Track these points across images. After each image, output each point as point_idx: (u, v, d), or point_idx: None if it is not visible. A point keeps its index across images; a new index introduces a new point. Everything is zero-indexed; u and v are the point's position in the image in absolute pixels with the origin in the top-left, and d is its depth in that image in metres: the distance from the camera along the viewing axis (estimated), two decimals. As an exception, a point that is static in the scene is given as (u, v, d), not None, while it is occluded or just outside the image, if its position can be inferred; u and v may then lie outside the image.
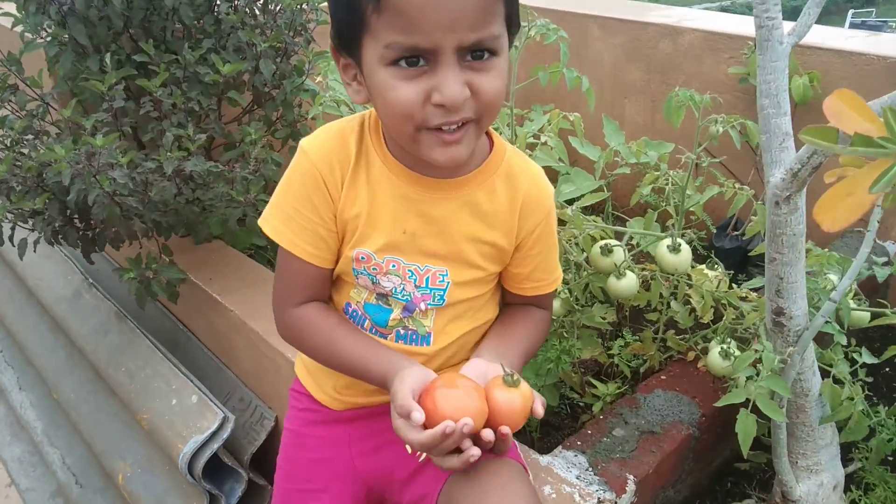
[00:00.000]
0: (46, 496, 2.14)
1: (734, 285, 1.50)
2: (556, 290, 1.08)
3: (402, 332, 1.01)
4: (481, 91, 0.80)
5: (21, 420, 2.33)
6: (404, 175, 0.93)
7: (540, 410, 0.88)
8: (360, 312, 1.02)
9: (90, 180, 1.25)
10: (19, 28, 1.76)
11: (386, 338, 1.02)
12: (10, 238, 1.54)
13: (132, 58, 1.64)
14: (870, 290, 1.77)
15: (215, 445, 1.54)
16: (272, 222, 0.97)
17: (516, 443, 1.08)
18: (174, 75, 1.59)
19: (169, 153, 1.40)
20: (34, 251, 1.57)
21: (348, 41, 0.84)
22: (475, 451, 0.83)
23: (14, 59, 1.63)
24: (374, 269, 0.97)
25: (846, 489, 1.36)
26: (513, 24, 0.84)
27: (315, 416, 1.11)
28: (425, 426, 0.82)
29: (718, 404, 1.17)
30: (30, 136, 1.56)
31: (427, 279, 0.97)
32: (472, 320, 1.03)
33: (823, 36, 2.09)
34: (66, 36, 1.67)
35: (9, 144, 1.59)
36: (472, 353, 1.03)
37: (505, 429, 0.84)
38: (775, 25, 0.99)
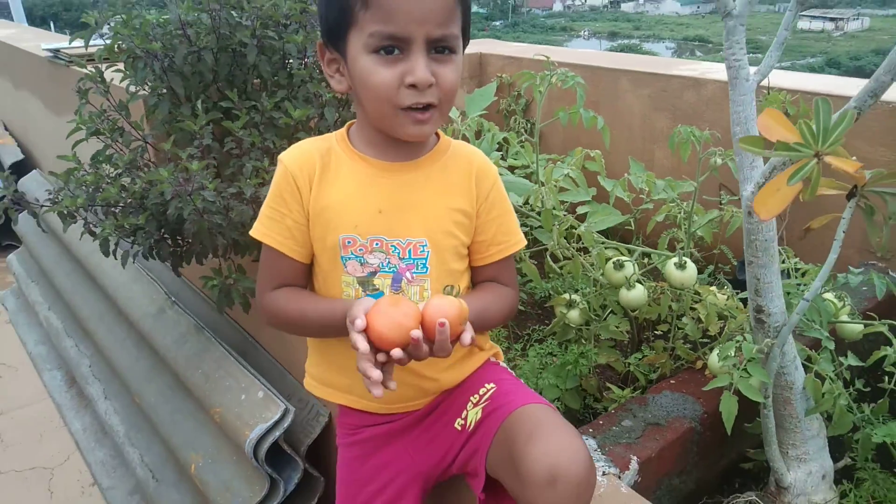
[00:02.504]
0: (125, 493, 2.40)
1: (739, 302, 1.68)
2: (518, 253, 1.22)
3: None
4: (442, 79, 1.01)
5: (105, 426, 2.61)
6: (373, 165, 1.12)
7: (467, 339, 0.98)
8: None
9: (186, 198, 1.53)
10: (125, 82, 2.11)
11: None
12: (114, 252, 1.83)
13: (218, 104, 1.96)
14: (885, 309, 1.89)
15: (277, 433, 1.77)
16: (256, 226, 1.16)
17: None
18: (253, 119, 1.89)
19: (248, 180, 1.68)
20: (124, 266, 1.87)
21: (336, 37, 1.04)
22: (374, 374, 0.94)
23: (123, 106, 1.97)
24: (360, 249, 1.12)
25: (839, 482, 1.49)
26: (466, 36, 1.06)
27: (367, 429, 1.24)
28: (366, 332, 0.96)
29: (706, 388, 1.35)
30: (133, 168, 1.88)
31: (409, 251, 1.12)
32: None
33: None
34: (164, 88, 2.00)
35: (115, 176, 1.91)
36: None
37: (442, 320, 0.94)
38: (742, 66, 1.20)
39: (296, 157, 1.15)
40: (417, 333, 0.94)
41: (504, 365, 1.29)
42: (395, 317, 0.95)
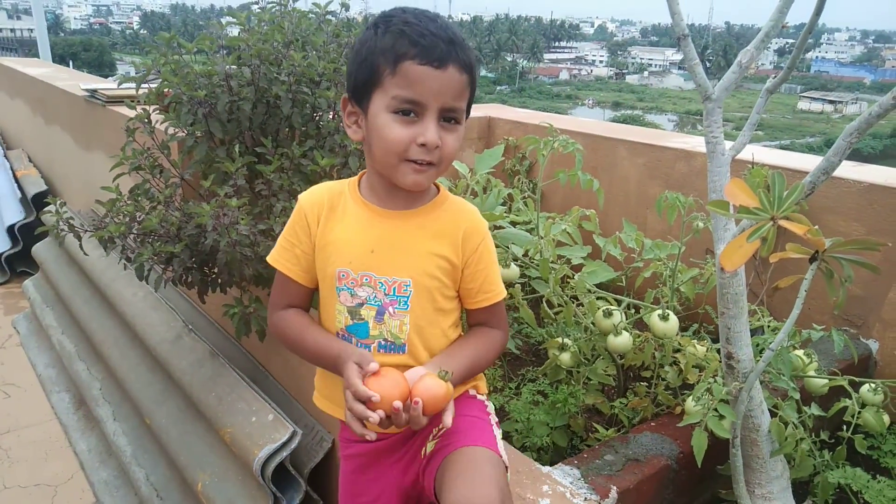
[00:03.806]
0: (127, 512, 2.49)
1: (716, 353, 1.83)
2: (503, 300, 1.37)
3: (382, 342, 1.29)
4: (446, 144, 1.18)
5: (112, 447, 2.72)
6: (372, 211, 1.28)
7: (448, 420, 1.17)
8: (345, 335, 1.30)
9: (224, 231, 1.71)
10: (164, 124, 2.31)
11: (370, 348, 1.28)
12: (146, 277, 2.00)
13: (251, 149, 2.15)
14: (857, 370, 2.05)
15: (284, 454, 1.90)
16: (272, 253, 1.35)
17: (500, 441, 1.32)
18: (283, 165, 2.08)
19: (277, 219, 1.86)
20: (156, 290, 2.02)
21: (361, 94, 1.20)
22: (371, 415, 1.12)
23: (165, 146, 2.16)
24: (351, 283, 1.27)
25: (801, 524, 1.62)
26: (469, 108, 1.24)
27: (361, 444, 1.37)
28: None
29: (680, 425, 1.49)
30: (170, 202, 2.06)
31: (394, 288, 1.26)
32: (441, 336, 1.31)
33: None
34: (201, 131, 2.20)
35: (149, 208, 2.09)
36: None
37: (417, 399, 1.13)
38: (718, 142, 1.40)
39: (309, 197, 1.33)
40: (398, 405, 1.13)
41: (481, 398, 1.41)
42: (385, 386, 1.14)
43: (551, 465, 1.93)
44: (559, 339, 1.86)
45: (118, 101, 3.29)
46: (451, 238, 1.28)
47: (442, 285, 1.29)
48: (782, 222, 1.09)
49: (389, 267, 1.27)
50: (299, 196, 1.35)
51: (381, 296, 1.27)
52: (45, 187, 4.77)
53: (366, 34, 1.20)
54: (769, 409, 1.58)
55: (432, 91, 1.15)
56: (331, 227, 1.29)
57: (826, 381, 1.71)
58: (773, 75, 1.45)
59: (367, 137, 1.23)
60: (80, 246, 2.01)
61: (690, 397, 1.69)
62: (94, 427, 2.92)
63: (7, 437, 3.00)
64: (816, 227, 1.14)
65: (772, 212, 1.09)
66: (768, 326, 1.80)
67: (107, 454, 2.77)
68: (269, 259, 1.35)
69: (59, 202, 1.92)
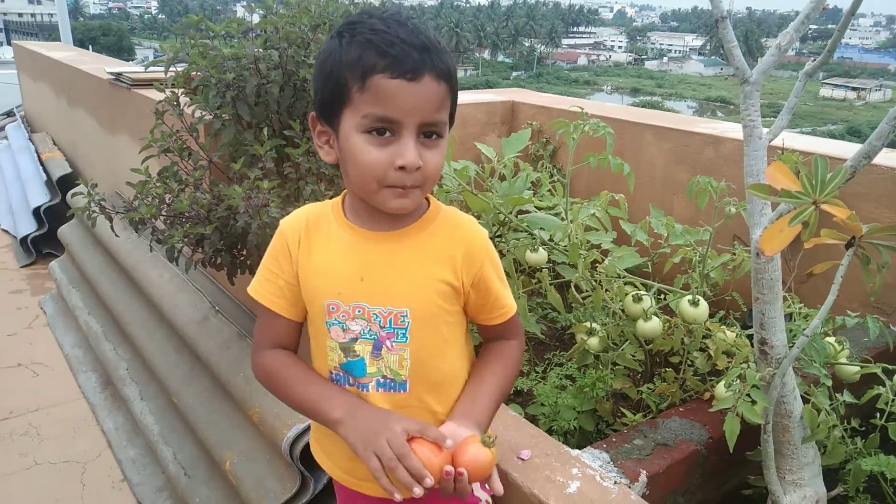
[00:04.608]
0: (154, 490, 2.54)
1: (746, 339, 1.82)
2: (516, 315, 1.25)
3: (381, 380, 1.15)
4: (428, 163, 1.04)
5: (139, 426, 2.76)
6: (357, 233, 1.13)
7: (499, 488, 1.05)
8: (339, 374, 1.16)
9: (255, 213, 1.72)
10: (191, 108, 2.32)
11: (368, 388, 1.14)
12: (176, 258, 2.01)
13: (279, 132, 2.16)
14: (889, 358, 2.02)
15: (312, 434, 1.92)
16: (253, 285, 1.19)
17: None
18: (310, 147, 2.08)
19: (306, 202, 1.87)
20: (186, 271, 2.05)
21: (329, 112, 1.05)
22: (420, 486, 1.00)
23: (194, 128, 2.17)
24: (342, 316, 1.12)
25: (831, 510, 1.61)
26: (451, 121, 1.10)
27: None
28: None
29: (712, 409, 1.49)
30: (199, 184, 2.07)
31: (390, 320, 1.12)
32: (449, 370, 1.18)
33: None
34: (228, 114, 2.21)
35: (178, 191, 2.10)
36: (448, 402, 1.18)
37: (462, 469, 1.01)
38: (755, 126, 1.38)
39: (289, 221, 1.19)
40: (450, 469, 1.02)
41: (480, 494, 1.21)
42: (426, 452, 1.03)
43: (578, 448, 1.94)
44: (587, 324, 1.86)
45: (143, 84, 3.31)
46: (448, 259, 1.14)
47: (444, 312, 1.16)
48: (824, 206, 1.07)
49: (382, 296, 1.12)
50: (280, 221, 1.21)
51: (377, 328, 1.13)
52: (69, 170, 4.82)
53: (329, 44, 1.06)
54: (801, 396, 1.57)
55: (407, 106, 1.01)
56: (314, 255, 1.15)
57: (858, 368, 1.69)
58: (812, 59, 1.43)
59: (341, 159, 1.09)
60: (112, 227, 2.02)
61: (721, 383, 1.68)
62: (120, 406, 2.96)
63: (36, 414, 3.05)
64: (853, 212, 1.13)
65: (814, 196, 1.08)
66: (798, 313, 1.79)
67: (134, 433, 2.81)
68: (249, 291, 1.20)
69: (90, 184, 1.93)
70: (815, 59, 1.38)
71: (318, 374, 1.19)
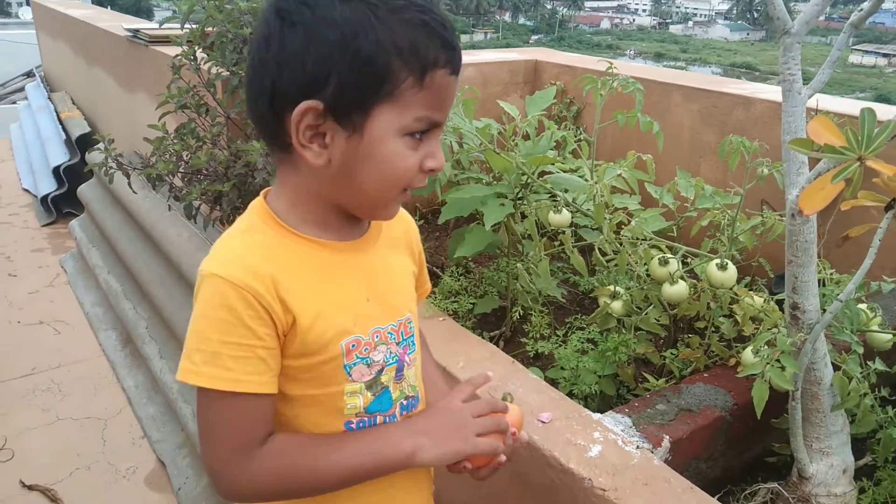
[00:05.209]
0: (174, 446, 2.56)
1: (775, 305, 1.78)
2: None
3: (404, 403, 1.00)
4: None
5: (159, 384, 2.78)
6: (335, 248, 0.92)
7: (525, 437, 1.03)
8: (363, 419, 0.95)
9: (273, 169, 1.68)
10: (208, 64, 2.28)
11: (395, 417, 0.99)
12: (194, 216, 1.99)
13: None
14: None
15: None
16: (211, 374, 0.83)
17: None
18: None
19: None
20: (205, 229, 2.02)
21: (351, 106, 0.81)
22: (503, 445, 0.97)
23: (211, 84, 2.13)
24: (364, 349, 0.93)
25: (858, 479, 1.58)
26: None
27: None
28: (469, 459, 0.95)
29: (740, 375, 1.45)
30: (216, 141, 2.04)
31: (402, 332, 0.99)
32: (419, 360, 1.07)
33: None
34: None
35: (195, 147, 2.07)
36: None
37: (513, 430, 0.99)
38: (795, 80, 1.32)
39: (245, 270, 0.84)
40: (515, 431, 0.99)
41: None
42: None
43: (597, 412, 1.92)
44: (611, 287, 1.82)
45: (161, 41, 3.26)
46: (407, 246, 1.06)
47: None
48: (870, 163, 1.02)
49: (389, 310, 0.97)
50: (213, 274, 0.84)
51: (395, 348, 0.97)
52: (88, 129, 4.81)
53: (352, 14, 0.79)
54: (831, 363, 1.52)
55: (450, 104, 0.88)
56: (305, 295, 0.88)
57: (891, 336, 1.64)
58: (858, 11, 1.36)
59: (346, 164, 0.84)
60: (129, 184, 2.00)
61: (748, 348, 1.64)
62: (140, 364, 2.98)
63: (58, 371, 3.08)
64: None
65: (859, 151, 1.02)
66: (830, 278, 1.73)
67: (153, 390, 2.83)
68: (211, 384, 0.84)
69: (107, 139, 1.91)
70: (861, 10, 1.30)
71: (334, 434, 0.95)
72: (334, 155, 0.84)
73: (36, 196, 4.81)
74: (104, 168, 1.90)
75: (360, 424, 0.95)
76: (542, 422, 1.49)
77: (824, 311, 1.43)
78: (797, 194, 1.33)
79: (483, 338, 2.18)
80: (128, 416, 2.81)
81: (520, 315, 2.07)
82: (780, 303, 1.81)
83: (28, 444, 2.62)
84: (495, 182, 2.04)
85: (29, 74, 8.26)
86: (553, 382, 1.87)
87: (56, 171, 4.64)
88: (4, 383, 2.99)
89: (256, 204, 0.94)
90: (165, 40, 3.18)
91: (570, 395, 1.82)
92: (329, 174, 0.86)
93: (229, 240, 0.91)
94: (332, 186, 0.88)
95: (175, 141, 2.07)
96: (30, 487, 2.39)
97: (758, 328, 1.75)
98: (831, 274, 1.74)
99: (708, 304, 1.77)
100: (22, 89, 7.44)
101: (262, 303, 0.84)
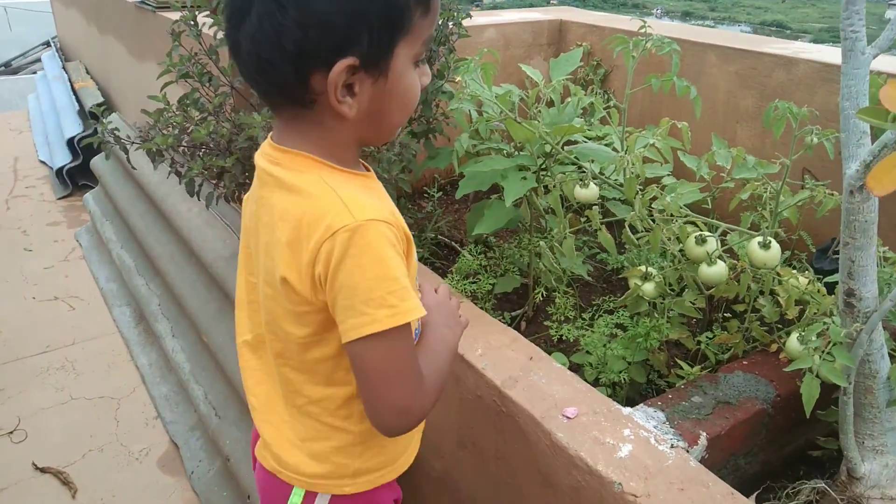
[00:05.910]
0: (187, 428, 2.49)
1: (822, 286, 1.63)
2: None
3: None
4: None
5: (171, 363, 2.71)
6: (369, 179, 0.98)
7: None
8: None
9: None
10: (213, 29, 2.14)
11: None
12: (197, 193, 1.88)
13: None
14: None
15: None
16: (391, 314, 0.85)
17: None
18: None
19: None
20: (208, 207, 1.92)
21: (379, 53, 0.84)
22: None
23: (213, 51, 2.00)
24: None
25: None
26: None
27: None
28: None
29: (787, 369, 1.32)
30: (220, 113, 1.91)
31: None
32: None
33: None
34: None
35: (199, 119, 1.95)
36: None
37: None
38: (858, 38, 1.15)
39: (385, 211, 0.89)
40: None
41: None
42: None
43: (626, 401, 1.79)
44: (642, 268, 1.68)
45: (168, 7, 3.13)
46: None
47: None
48: (956, 135, 0.87)
49: None
50: (374, 227, 0.85)
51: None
52: (101, 99, 4.72)
53: None
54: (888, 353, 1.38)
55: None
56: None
57: (952, 321, 1.49)
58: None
59: (374, 106, 0.88)
60: (128, 159, 1.89)
61: (794, 335, 1.50)
62: (153, 342, 2.92)
63: (72, 349, 3.03)
64: None
65: (943, 122, 0.87)
66: (885, 259, 1.58)
67: (167, 370, 2.77)
68: (418, 314, 0.87)
69: (101, 110, 1.79)
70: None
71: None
72: (362, 102, 0.87)
73: (52, 168, 4.75)
74: (99, 143, 1.79)
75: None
76: (568, 417, 1.37)
77: (884, 297, 1.29)
78: (857, 168, 1.18)
79: (504, 318, 2.06)
80: (141, 395, 2.75)
81: (543, 296, 1.94)
82: (827, 285, 1.67)
83: (42, 424, 2.58)
84: (517, 153, 1.90)
85: (47, 44, 8.18)
86: (578, 368, 1.76)
87: (70, 142, 4.56)
88: (21, 360, 2.95)
89: (313, 164, 0.90)
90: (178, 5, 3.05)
91: (597, 382, 1.71)
92: (357, 119, 0.88)
93: (343, 192, 0.88)
94: (358, 128, 0.91)
95: (177, 112, 1.95)
96: (42, 470, 2.34)
97: (803, 311, 1.61)
98: (884, 251, 1.58)
99: (748, 285, 1.63)
100: (38, 60, 7.36)
101: (407, 234, 0.94)
